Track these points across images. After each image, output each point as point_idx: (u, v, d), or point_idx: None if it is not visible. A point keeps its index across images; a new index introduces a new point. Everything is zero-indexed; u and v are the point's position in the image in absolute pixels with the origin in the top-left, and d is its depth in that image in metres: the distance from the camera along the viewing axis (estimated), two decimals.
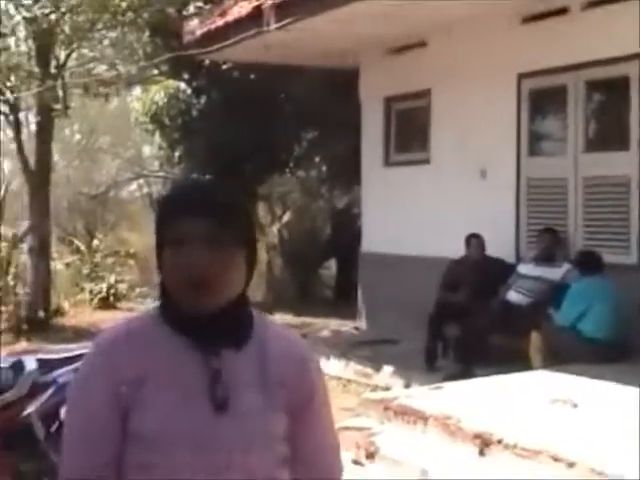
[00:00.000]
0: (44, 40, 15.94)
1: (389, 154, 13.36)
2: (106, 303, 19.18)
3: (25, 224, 17.84)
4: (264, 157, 16.64)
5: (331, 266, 19.62)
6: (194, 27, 13.70)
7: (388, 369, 10.39)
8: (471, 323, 9.72)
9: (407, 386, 9.68)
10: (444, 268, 10.85)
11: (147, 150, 26.89)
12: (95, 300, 19.38)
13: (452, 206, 11.73)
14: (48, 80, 15.89)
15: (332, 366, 10.55)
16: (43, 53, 16.26)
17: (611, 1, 9.71)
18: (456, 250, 10.78)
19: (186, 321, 2.18)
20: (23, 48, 16.46)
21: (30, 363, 5.75)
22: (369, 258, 13.44)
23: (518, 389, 7.83)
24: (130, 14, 16.00)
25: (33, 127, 18.61)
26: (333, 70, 14.74)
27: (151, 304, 17.89)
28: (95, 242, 23.79)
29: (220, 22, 12.86)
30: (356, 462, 6.81)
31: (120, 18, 16.24)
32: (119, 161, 28.83)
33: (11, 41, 16.10)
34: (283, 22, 11.41)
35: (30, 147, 17.19)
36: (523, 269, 10.25)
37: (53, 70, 16.31)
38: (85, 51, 17.50)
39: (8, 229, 18.59)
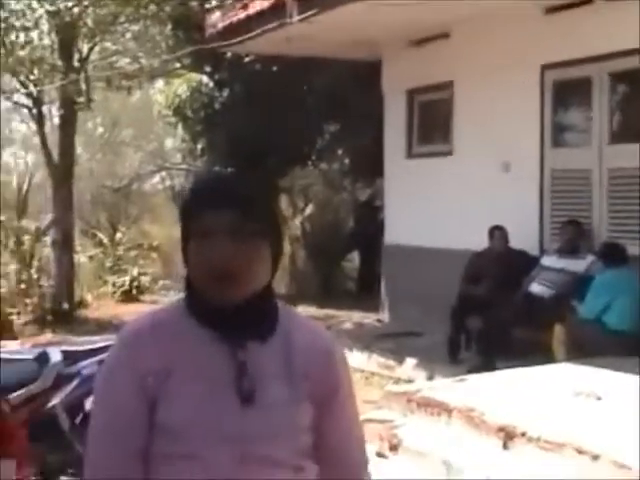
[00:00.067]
0: (67, 33, 15.98)
1: (412, 146, 13.34)
2: (129, 296, 19.23)
3: (48, 217, 17.91)
4: (286, 149, 16.64)
5: (354, 258, 19.58)
6: (216, 20, 13.71)
7: (411, 361, 10.38)
8: (494, 315, 9.69)
9: (430, 378, 9.67)
10: (467, 260, 10.83)
11: (169, 143, 26.93)
12: (118, 293, 19.44)
13: (475, 198, 11.70)
14: (71, 73, 15.93)
15: (355, 359, 10.54)
16: (66, 46, 16.30)
17: None
18: (479, 242, 10.75)
19: (212, 313, 2.19)
20: (46, 41, 16.50)
21: (55, 355, 5.77)
22: (392, 250, 13.43)
23: (542, 382, 7.80)
24: (152, 7, 16.02)
25: (56, 120, 18.63)
26: (355, 62, 14.72)
27: (174, 297, 17.92)
28: (118, 235, 23.86)
29: (242, 15, 12.86)
30: (379, 454, 6.81)
31: (142, 11, 16.27)
32: (142, 154, 28.88)
33: (34, 34, 16.14)
34: (306, 14, 11.39)
35: (53, 140, 17.25)
36: (547, 261, 10.22)
37: (76, 63, 16.36)
38: (108, 44, 17.52)
39: (31, 222, 18.65)
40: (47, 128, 17.87)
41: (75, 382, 5.74)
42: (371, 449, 6.63)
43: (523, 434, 6.34)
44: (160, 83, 21.44)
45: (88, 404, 5.85)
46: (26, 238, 17.44)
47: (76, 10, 15.60)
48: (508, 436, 6.43)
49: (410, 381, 9.65)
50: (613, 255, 9.32)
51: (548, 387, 7.60)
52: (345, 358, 2.38)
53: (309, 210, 18.71)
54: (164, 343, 2.19)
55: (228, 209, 2.14)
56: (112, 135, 29.64)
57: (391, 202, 13.79)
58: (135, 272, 19.96)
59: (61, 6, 15.41)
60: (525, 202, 11.01)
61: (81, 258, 21.28)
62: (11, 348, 9.41)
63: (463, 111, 12.19)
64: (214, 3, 15.23)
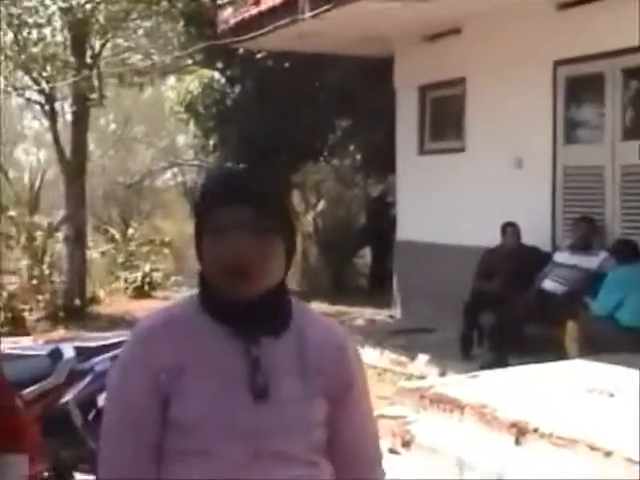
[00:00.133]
0: (79, 30, 16.01)
1: (424, 142, 13.32)
2: (141, 292, 19.27)
3: (60, 213, 17.97)
4: (298, 146, 16.63)
5: (365, 255, 19.59)
6: (228, 16, 13.70)
7: (423, 358, 10.38)
8: (507, 312, 9.68)
9: (442, 375, 9.67)
10: (479, 256, 10.82)
11: (181, 139, 26.97)
12: (130, 289, 19.48)
13: (487, 194, 11.68)
14: (83, 70, 15.97)
15: (367, 355, 10.54)
16: (78, 43, 16.34)
17: None
18: (491, 238, 10.74)
19: (226, 309, 2.19)
20: (59, 38, 16.53)
21: (68, 351, 5.80)
22: (404, 246, 13.42)
23: (554, 378, 7.78)
24: (164, 3, 16.06)
25: (69, 117, 18.68)
26: (367, 58, 14.71)
27: (186, 292, 17.97)
28: (130, 231, 23.93)
29: (254, 11, 12.85)
30: (392, 451, 6.81)
31: (154, 7, 16.30)
32: (153, 150, 28.93)
33: (47, 31, 16.19)
34: (318, 10, 11.38)
35: (66, 137, 17.30)
36: (559, 258, 10.20)
37: (88, 60, 16.40)
38: (120, 41, 17.56)
39: (43, 218, 18.71)
40: (59, 125, 17.93)
41: (88, 378, 5.76)
42: (383, 445, 6.59)
43: (535, 430, 6.33)
44: (172, 79, 21.46)
45: (101, 400, 5.88)
46: (38, 234, 17.50)
47: (88, 7, 15.65)
48: (520, 432, 6.42)
49: (422, 377, 9.65)
50: (626, 252, 9.30)
51: (561, 384, 7.58)
52: (359, 354, 2.39)
53: (321, 206, 18.72)
54: (178, 339, 2.19)
55: (242, 205, 2.14)
56: (124, 131, 29.70)
57: (403, 198, 13.78)
58: (147, 268, 20.00)
59: (74, 3, 15.45)
60: (537, 199, 10.99)
61: (93, 254, 21.34)
62: (24, 344, 9.45)
63: (475, 107, 12.16)
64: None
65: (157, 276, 20.42)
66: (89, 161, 18.88)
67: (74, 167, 16.88)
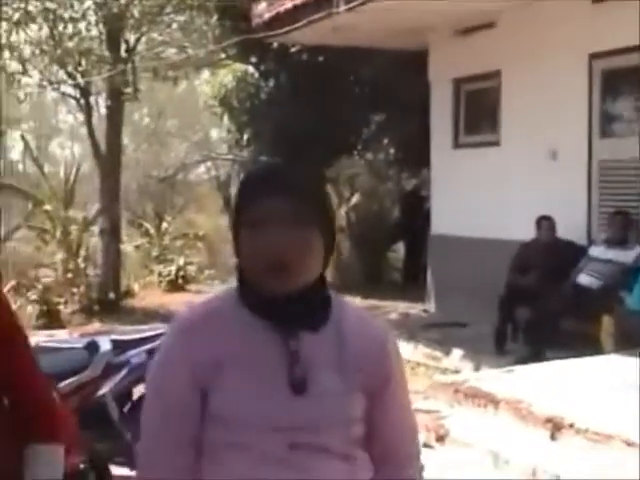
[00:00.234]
0: (114, 24, 16.08)
1: (458, 136, 13.28)
2: (175, 285, 19.35)
3: (95, 207, 18.06)
4: (332, 139, 16.62)
5: (398, 249, 19.56)
6: (262, 10, 13.71)
7: (457, 352, 10.36)
8: (542, 306, 9.63)
9: (476, 369, 9.65)
10: (514, 251, 10.77)
11: (215, 133, 27.04)
12: (164, 282, 19.57)
13: (522, 188, 11.63)
14: (118, 64, 16.04)
15: (401, 349, 10.38)
16: (113, 37, 16.41)
17: None
18: (526, 233, 10.69)
19: (264, 303, 2.18)
20: (94, 33, 16.60)
21: (104, 344, 5.83)
22: (438, 240, 13.40)
23: (590, 373, 7.75)
24: None
25: (103, 111, 18.77)
26: (401, 52, 14.68)
27: (219, 286, 18.02)
28: (164, 225, 24.02)
29: (289, 4, 12.85)
30: (426, 445, 6.80)
31: (189, 1, 16.36)
32: (187, 144, 29.01)
33: (82, 26, 16.25)
34: (352, 4, 11.36)
35: (100, 131, 17.38)
36: (594, 252, 10.14)
37: (123, 54, 16.47)
38: (154, 35, 17.61)
39: (78, 212, 18.80)
40: (94, 119, 18.02)
41: (124, 371, 5.79)
42: None
43: (571, 425, 6.31)
44: (206, 73, 21.50)
45: (136, 393, 5.92)
46: (73, 228, 17.58)
47: (123, 1, 15.71)
48: (556, 427, 6.40)
49: (456, 372, 9.63)
50: None
51: (596, 378, 7.55)
52: (397, 347, 2.38)
53: (354, 200, 18.69)
54: (217, 332, 2.19)
55: (281, 198, 2.14)
56: (158, 125, 29.82)
57: (437, 192, 13.75)
58: (181, 262, 20.07)
59: None
60: (573, 192, 10.93)
61: (127, 248, 21.46)
62: (60, 337, 9.52)
63: (510, 100, 12.11)
64: None
65: (191, 270, 20.50)
66: (123, 155, 18.97)
67: (109, 161, 16.97)
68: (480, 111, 13.11)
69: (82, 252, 17.42)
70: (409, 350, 10.76)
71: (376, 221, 18.57)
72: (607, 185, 10.71)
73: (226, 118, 18.47)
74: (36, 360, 2.75)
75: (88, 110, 17.59)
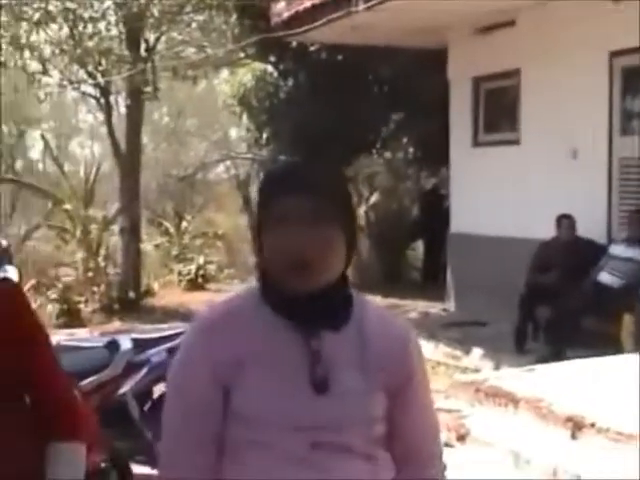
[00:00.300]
0: (134, 24, 16.11)
1: (478, 134, 13.26)
2: (195, 284, 19.36)
3: (115, 206, 18.11)
4: (351, 138, 16.60)
5: (418, 247, 19.54)
6: (281, 9, 13.73)
7: (477, 351, 10.34)
8: (562, 305, 9.61)
9: (497, 368, 9.62)
10: (534, 249, 10.74)
11: (234, 132, 27.02)
12: (184, 281, 19.59)
13: (542, 186, 11.60)
14: (138, 63, 16.07)
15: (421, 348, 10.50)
16: (133, 37, 16.44)
17: None
18: (546, 231, 10.66)
19: (286, 302, 2.18)
20: (114, 32, 16.64)
21: (125, 342, 5.84)
22: (458, 239, 13.38)
23: (610, 372, 7.72)
24: None
25: (123, 110, 18.82)
26: (420, 50, 14.66)
27: (239, 285, 18.04)
28: (183, 224, 24.06)
29: (307, 3, 12.86)
30: (447, 444, 6.78)
31: (208, 1, 16.37)
32: (207, 143, 29.02)
33: (102, 25, 16.30)
34: (371, 2, 11.36)
35: (120, 130, 17.42)
36: (615, 250, 10.10)
37: (143, 53, 16.49)
38: (174, 34, 17.62)
39: (98, 211, 18.85)
40: (114, 118, 18.06)
41: (144, 370, 5.80)
42: None
43: (592, 425, 6.29)
44: (225, 73, 21.51)
45: (157, 391, 5.93)
46: (93, 227, 17.62)
47: (143, 1, 15.74)
48: (576, 427, 6.38)
49: (477, 371, 9.62)
50: None
51: (617, 378, 7.51)
52: (419, 346, 2.37)
53: (373, 199, 18.67)
54: (238, 331, 2.19)
55: (304, 196, 2.13)
56: (177, 125, 29.85)
57: (457, 191, 13.73)
58: (201, 260, 20.09)
59: None
60: (593, 191, 10.89)
61: (147, 247, 21.50)
62: (80, 336, 9.55)
63: (530, 99, 12.08)
64: None
65: (211, 269, 20.52)
66: (143, 154, 19.01)
67: (129, 160, 17.00)
68: (500, 109, 13.08)
69: (102, 251, 17.46)
70: (429, 349, 10.74)
71: (395, 220, 18.54)
72: (627, 183, 10.67)
73: (245, 117, 18.48)
74: (57, 359, 2.75)
75: (108, 109, 17.63)
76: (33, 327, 2.66)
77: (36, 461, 2.56)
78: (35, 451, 2.58)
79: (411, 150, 17.78)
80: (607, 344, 8.86)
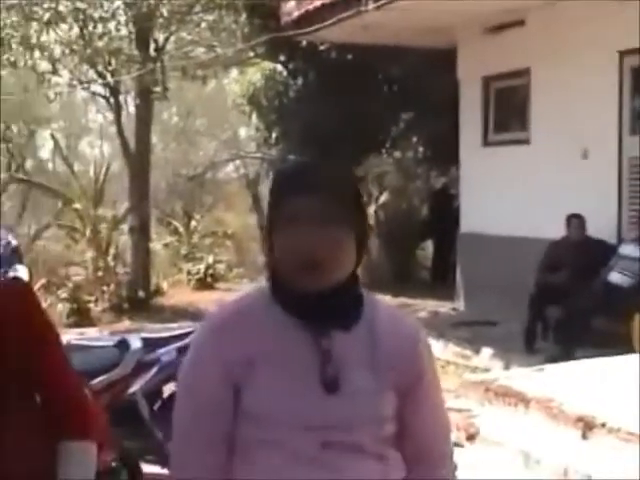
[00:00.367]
0: (143, 24, 16.13)
1: (488, 134, 13.25)
2: (204, 283, 19.37)
3: (125, 206, 18.13)
4: (361, 138, 16.60)
5: (427, 247, 19.52)
6: (291, 8, 13.73)
7: (487, 351, 10.33)
8: (572, 305, 9.59)
9: (506, 368, 9.61)
10: (544, 249, 10.72)
11: (243, 132, 27.03)
12: (193, 280, 19.59)
13: (552, 186, 11.58)
14: (147, 63, 16.09)
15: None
16: (142, 37, 16.47)
17: None
18: (556, 231, 10.64)
19: (296, 301, 2.18)
20: (123, 32, 16.66)
21: (135, 342, 5.84)
22: (468, 239, 13.36)
23: (621, 372, 7.68)
24: None
25: (132, 110, 18.85)
26: (430, 50, 14.64)
27: (248, 285, 18.05)
28: (193, 223, 24.10)
29: (317, 2, 12.86)
30: (456, 444, 6.77)
31: (217, 1, 16.39)
32: (216, 143, 29.04)
33: (111, 25, 16.32)
34: (381, 2, 11.35)
35: (130, 130, 17.45)
36: (625, 250, 10.07)
37: (152, 53, 16.52)
38: (183, 34, 17.65)
39: (108, 211, 18.87)
40: (123, 118, 18.09)
41: (154, 369, 5.80)
42: None
43: (603, 425, 6.27)
44: (234, 72, 21.53)
45: (167, 391, 5.93)
46: (103, 226, 17.65)
47: (152, 1, 15.75)
48: (587, 427, 6.36)
49: (487, 370, 9.60)
50: None
51: (627, 377, 7.48)
52: (429, 345, 2.36)
53: (383, 198, 18.65)
54: (249, 330, 2.19)
55: (314, 196, 2.14)
56: (187, 124, 29.87)
57: (467, 190, 13.72)
58: (210, 260, 20.10)
59: None
60: (603, 190, 10.87)
61: (157, 246, 21.52)
62: (90, 335, 9.57)
63: (540, 98, 12.06)
64: None
65: (220, 268, 20.52)
66: (152, 154, 19.03)
67: (138, 160, 17.03)
68: (510, 109, 13.07)
69: (112, 250, 17.48)
70: (439, 348, 10.73)
71: (405, 219, 18.52)
72: (638, 182, 10.64)
73: (255, 116, 18.50)
74: (68, 358, 2.75)
75: (117, 109, 17.66)
76: (44, 326, 2.67)
77: (47, 460, 2.56)
78: (46, 450, 2.58)
79: (421, 150, 17.77)
80: (617, 344, 8.83)
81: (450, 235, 15.08)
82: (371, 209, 18.31)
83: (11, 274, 6.22)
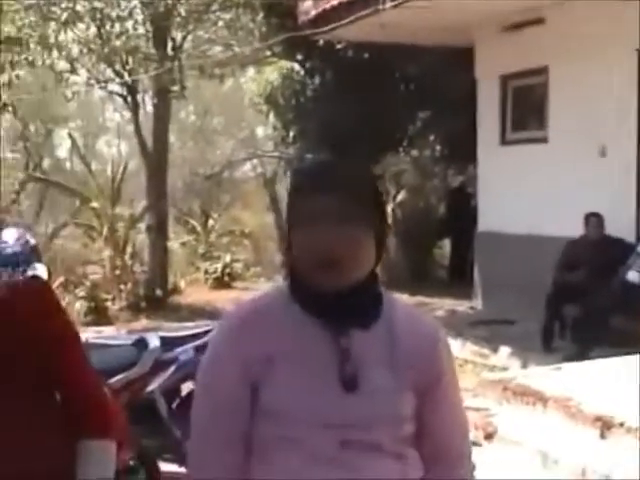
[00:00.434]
0: (161, 23, 16.18)
1: (505, 132, 13.21)
2: (221, 282, 19.41)
3: (142, 204, 18.16)
4: (378, 136, 16.59)
5: (444, 245, 19.50)
6: (308, 7, 13.73)
7: (505, 349, 10.30)
8: (590, 303, 9.56)
9: (524, 367, 9.60)
10: (561, 248, 10.68)
11: (261, 130, 27.06)
12: (210, 279, 19.63)
13: (570, 184, 11.54)
14: (165, 62, 16.12)
15: None
16: (160, 36, 16.50)
17: None
18: (574, 229, 10.60)
19: (315, 300, 2.18)
20: (141, 31, 16.71)
21: (153, 340, 5.85)
22: (485, 237, 13.34)
23: (639, 371, 7.67)
24: None
25: (150, 109, 18.88)
26: (447, 48, 14.62)
27: (264, 283, 18.08)
28: (210, 222, 24.13)
29: (334, 1, 12.85)
30: (474, 443, 6.75)
31: None
32: (233, 141, 29.07)
33: (129, 24, 16.36)
34: (398, 0, 11.34)
35: (147, 128, 17.48)
36: None
37: (170, 52, 16.56)
38: (200, 33, 17.70)
39: (125, 209, 18.92)
40: (141, 117, 18.12)
41: (172, 368, 5.81)
42: None
43: (621, 424, 6.25)
44: (252, 71, 21.56)
45: (184, 389, 5.94)
46: (120, 225, 17.69)
47: (169, 0, 15.78)
48: (605, 426, 6.35)
49: (504, 369, 9.58)
50: None
51: None
52: (448, 345, 2.36)
53: (400, 197, 18.63)
54: (267, 329, 2.19)
55: (333, 195, 2.13)
56: (204, 123, 29.93)
57: (484, 189, 13.69)
58: (227, 259, 20.14)
59: None
60: (621, 189, 10.83)
61: (174, 245, 21.57)
62: (108, 334, 9.58)
63: (558, 96, 12.02)
64: None
65: (237, 267, 20.56)
66: (170, 153, 19.06)
67: (156, 159, 17.07)
68: (527, 107, 13.03)
69: (129, 249, 17.52)
70: (456, 347, 10.71)
71: (422, 218, 18.50)
72: None
73: (272, 115, 18.52)
74: (87, 356, 2.76)
75: (135, 108, 17.70)
76: (63, 325, 2.67)
77: (66, 458, 2.57)
78: (65, 448, 2.58)
79: (438, 148, 17.75)
80: (635, 343, 8.78)
81: (467, 234, 15.05)
82: (388, 208, 18.30)
83: (30, 273, 6.23)
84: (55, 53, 16.26)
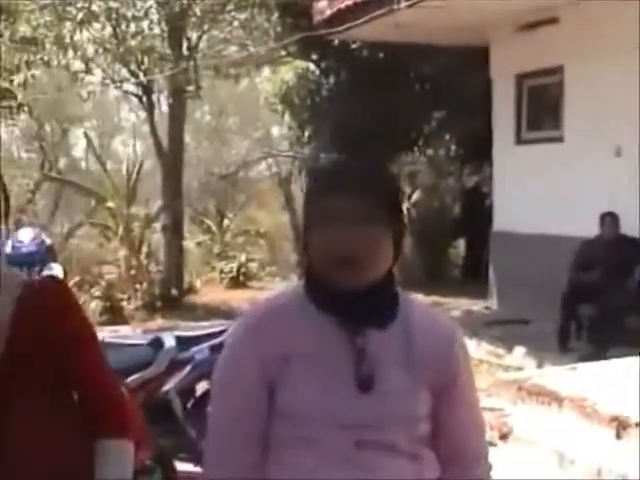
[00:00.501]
0: (176, 23, 16.20)
1: (521, 132, 13.19)
2: (236, 282, 19.42)
3: (157, 204, 18.19)
4: (393, 136, 16.59)
5: (459, 245, 19.47)
6: (323, 7, 13.73)
7: (520, 349, 10.29)
8: (605, 303, 9.54)
9: (539, 367, 9.58)
10: (577, 247, 10.66)
11: (276, 130, 27.08)
12: (225, 279, 19.64)
13: (586, 184, 11.51)
14: (180, 62, 16.14)
15: None
16: (175, 36, 16.53)
17: None
18: (589, 229, 10.57)
19: (331, 299, 2.18)
20: (156, 31, 16.73)
21: (168, 340, 5.86)
22: (500, 237, 13.32)
23: None
24: None
25: (165, 109, 18.92)
26: (463, 48, 14.60)
27: (280, 283, 18.08)
28: (225, 221, 24.16)
29: (349, 1, 12.84)
30: (489, 443, 6.75)
31: None
32: (248, 141, 29.10)
33: (144, 24, 16.39)
34: (413, 0, 11.33)
35: (162, 128, 17.51)
36: None
37: (185, 52, 16.58)
38: (216, 33, 17.71)
39: (141, 209, 18.96)
40: (156, 116, 18.14)
41: (188, 367, 5.82)
42: None
43: (637, 424, 6.24)
44: (267, 71, 21.57)
45: (200, 389, 5.95)
46: (135, 225, 17.72)
47: (185, 0, 15.81)
48: (621, 426, 6.33)
49: (519, 369, 9.57)
50: None
51: None
52: (465, 345, 2.37)
53: (415, 196, 18.62)
54: (284, 328, 2.20)
55: (353, 194, 2.14)
56: (219, 123, 29.97)
57: (500, 189, 13.67)
58: (243, 258, 20.15)
59: None
60: (637, 188, 10.78)
61: (189, 244, 21.59)
62: (123, 333, 9.60)
63: (574, 95, 12.00)
64: None
65: (252, 266, 20.57)
66: (185, 152, 19.09)
67: (171, 158, 17.09)
68: (543, 107, 13.00)
69: (144, 249, 17.55)
70: (472, 347, 10.69)
71: (437, 217, 18.49)
72: None
73: (287, 115, 18.53)
74: (104, 356, 2.77)
75: (150, 108, 17.73)
76: (80, 324, 2.67)
77: (84, 458, 2.57)
78: (83, 448, 2.59)
79: (453, 148, 17.75)
80: None
81: (482, 233, 15.03)
82: (403, 207, 18.29)
83: (46, 272, 6.25)
84: (70, 53, 16.31)
